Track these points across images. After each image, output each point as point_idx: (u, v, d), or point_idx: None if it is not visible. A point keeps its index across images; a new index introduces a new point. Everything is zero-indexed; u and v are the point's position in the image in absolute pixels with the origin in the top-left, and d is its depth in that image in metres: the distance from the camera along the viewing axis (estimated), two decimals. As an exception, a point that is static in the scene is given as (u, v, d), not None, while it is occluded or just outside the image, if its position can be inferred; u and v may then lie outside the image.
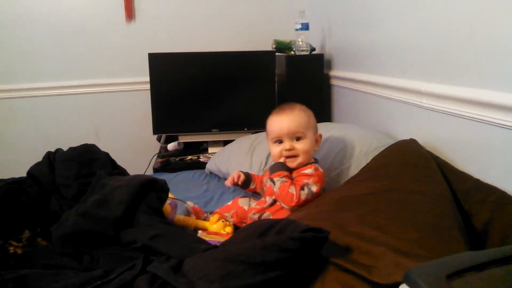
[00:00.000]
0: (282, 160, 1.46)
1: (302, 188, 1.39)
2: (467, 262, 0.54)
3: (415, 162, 1.31)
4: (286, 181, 1.41)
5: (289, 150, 1.44)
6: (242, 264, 0.83)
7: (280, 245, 0.85)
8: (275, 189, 1.42)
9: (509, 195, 1.09)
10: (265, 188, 1.58)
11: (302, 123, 1.45)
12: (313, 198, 1.39)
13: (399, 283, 0.59)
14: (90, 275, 0.99)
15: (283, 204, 1.41)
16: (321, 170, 1.46)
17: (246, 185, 1.63)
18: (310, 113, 1.51)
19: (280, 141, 1.47)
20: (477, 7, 1.24)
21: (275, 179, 1.42)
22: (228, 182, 1.62)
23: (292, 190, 1.38)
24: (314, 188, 1.40)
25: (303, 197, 1.37)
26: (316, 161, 1.51)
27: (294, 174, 1.46)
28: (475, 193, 1.15)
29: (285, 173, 1.43)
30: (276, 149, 1.48)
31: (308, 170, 1.44)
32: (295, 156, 1.45)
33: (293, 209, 1.40)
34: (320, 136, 1.54)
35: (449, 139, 1.42)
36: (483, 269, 0.53)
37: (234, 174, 1.62)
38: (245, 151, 1.94)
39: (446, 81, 1.41)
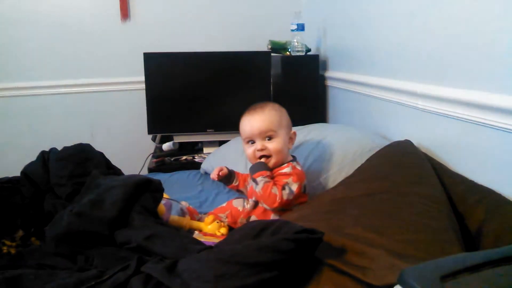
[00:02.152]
0: (263, 160, 1.44)
1: (283, 188, 1.37)
2: (460, 263, 0.54)
3: (410, 163, 1.32)
4: (269, 181, 1.39)
5: (261, 150, 1.43)
6: (236, 265, 0.83)
7: (274, 246, 0.85)
8: (257, 190, 1.40)
9: (503, 197, 1.10)
10: (248, 188, 1.57)
11: (273, 122, 1.43)
12: (294, 198, 1.38)
13: (394, 285, 0.60)
14: (84, 275, 0.98)
15: (265, 205, 1.40)
16: (299, 168, 1.45)
17: (228, 180, 1.62)
18: (282, 112, 1.49)
19: (252, 142, 1.46)
20: (473, 10, 1.24)
21: (258, 179, 1.40)
22: (212, 175, 1.61)
23: (275, 190, 1.36)
24: (294, 187, 1.39)
25: (285, 197, 1.36)
26: (294, 159, 1.50)
27: (273, 174, 1.45)
28: (470, 194, 1.16)
29: (268, 172, 1.41)
30: (249, 149, 1.47)
31: (286, 169, 1.43)
32: (269, 157, 1.44)
33: (275, 210, 1.40)
34: (294, 133, 1.51)
35: (444, 140, 1.43)
36: (476, 271, 0.53)
37: (217, 167, 1.61)
38: (240, 152, 1.94)
39: (441, 82, 1.41)
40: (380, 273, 0.81)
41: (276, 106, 1.50)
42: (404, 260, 0.82)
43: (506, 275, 0.53)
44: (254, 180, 1.41)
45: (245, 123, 1.48)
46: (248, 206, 1.52)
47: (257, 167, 1.43)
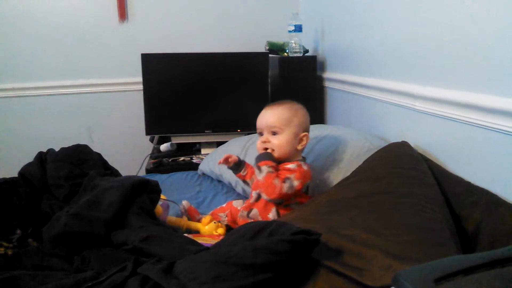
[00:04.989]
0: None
1: (284, 181, 1.39)
2: (455, 265, 0.54)
3: (407, 164, 1.32)
4: (273, 172, 1.41)
5: (264, 142, 1.47)
6: (233, 266, 0.83)
7: (271, 248, 0.85)
8: (259, 177, 1.42)
9: (499, 198, 1.10)
10: (254, 181, 1.58)
11: (281, 118, 1.46)
12: (293, 193, 1.41)
13: (390, 286, 0.60)
14: (81, 276, 0.98)
15: (263, 195, 1.41)
16: (305, 168, 1.46)
17: (237, 168, 1.64)
18: (297, 112, 1.50)
19: (262, 134, 1.50)
20: (471, 11, 1.25)
21: (263, 167, 1.42)
22: (220, 160, 1.64)
23: (276, 181, 1.38)
24: (295, 183, 1.40)
25: (284, 189, 1.38)
26: (303, 159, 1.52)
27: (278, 168, 1.46)
28: (466, 196, 1.16)
29: (273, 163, 1.43)
30: (258, 141, 1.51)
31: (291, 166, 1.45)
32: (272, 150, 1.46)
33: (274, 201, 1.42)
34: (306, 136, 1.51)
35: (441, 142, 1.43)
36: (471, 273, 0.53)
37: (226, 154, 1.64)
38: (238, 153, 1.94)
39: (439, 84, 1.41)
40: (377, 274, 0.81)
41: (295, 106, 1.52)
42: (400, 261, 0.82)
43: (501, 277, 0.54)
44: (259, 168, 1.44)
45: (259, 115, 1.53)
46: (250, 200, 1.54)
47: (263, 156, 1.46)
